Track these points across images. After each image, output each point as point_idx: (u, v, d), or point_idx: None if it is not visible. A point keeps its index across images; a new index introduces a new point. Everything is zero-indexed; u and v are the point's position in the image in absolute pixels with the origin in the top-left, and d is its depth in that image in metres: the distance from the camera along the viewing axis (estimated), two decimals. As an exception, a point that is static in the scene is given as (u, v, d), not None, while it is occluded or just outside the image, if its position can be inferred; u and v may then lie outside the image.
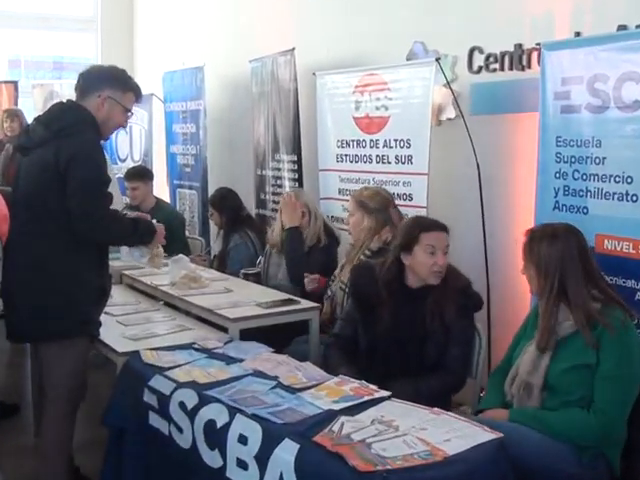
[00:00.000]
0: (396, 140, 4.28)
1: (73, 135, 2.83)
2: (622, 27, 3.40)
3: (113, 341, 3.12)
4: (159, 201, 5.53)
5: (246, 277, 4.23)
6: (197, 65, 6.31)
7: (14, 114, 6.70)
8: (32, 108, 7.70)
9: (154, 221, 3.15)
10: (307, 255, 4.09)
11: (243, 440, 2.19)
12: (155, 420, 2.61)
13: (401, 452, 1.98)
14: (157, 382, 2.64)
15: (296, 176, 5.12)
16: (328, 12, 5.36)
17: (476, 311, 3.07)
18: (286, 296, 3.67)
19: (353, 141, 4.62)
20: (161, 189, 6.59)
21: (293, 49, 5.01)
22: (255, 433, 2.17)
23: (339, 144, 4.75)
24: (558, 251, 2.53)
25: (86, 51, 8.84)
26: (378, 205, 3.71)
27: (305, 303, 3.56)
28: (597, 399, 2.44)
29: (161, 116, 7.00)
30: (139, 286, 4.14)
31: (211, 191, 5.61)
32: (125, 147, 7.37)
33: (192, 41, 7.16)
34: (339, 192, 4.78)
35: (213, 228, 5.63)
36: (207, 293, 3.75)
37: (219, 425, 2.29)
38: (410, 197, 4.18)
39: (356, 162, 4.61)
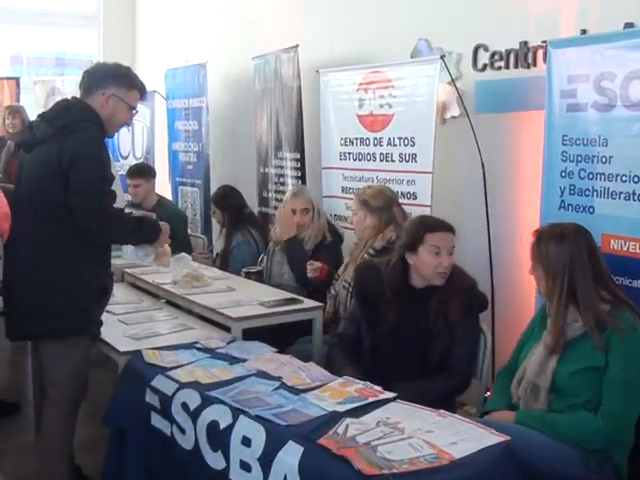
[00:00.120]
0: (400, 138, 4.25)
1: (77, 132, 2.81)
2: (629, 25, 3.37)
3: (115, 340, 3.09)
4: (161, 199, 5.50)
5: (248, 276, 4.20)
6: (200, 62, 6.28)
7: (16, 110, 6.68)
8: (34, 104, 7.69)
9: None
10: (313, 253, 4.06)
11: (246, 442, 2.17)
12: (157, 421, 2.59)
13: (407, 455, 1.95)
14: (159, 382, 2.61)
15: (299, 174, 5.09)
16: (331, 9, 5.33)
17: (481, 311, 3.04)
18: (289, 295, 3.65)
19: (357, 139, 4.60)
20: (163, 187, 6.56)
21: (296, 46, 4.98)
22: (259, 435, 2.15)
23: (342, 142, 4.72)
24: (567, 252, 2.50)
25: (88, 47, 8.82)
26: (381, 203, 3.69)
27: (308, 302, 3.53)
28: (605, 402, 2.42)
29: (163, 113, 6.97)
30: (141, 284, 4.11)
31: (213, 189, 5.58)
32: (127, 144, 7.34)
33: (195, 38, 7.13)
34: (342, 190, 4.75)
35: (215, 226, 5.60)
36: (209, 292, 3.72)
37: (222, 426, 2.27)
38: (414, 196, 4.15)
39: (360, 160, 4.59)
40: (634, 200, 3.05)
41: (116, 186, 3.30)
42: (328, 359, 3.12)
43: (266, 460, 2.09)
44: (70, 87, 7.77)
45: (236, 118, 6.47)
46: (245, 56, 5.88)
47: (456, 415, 2.27)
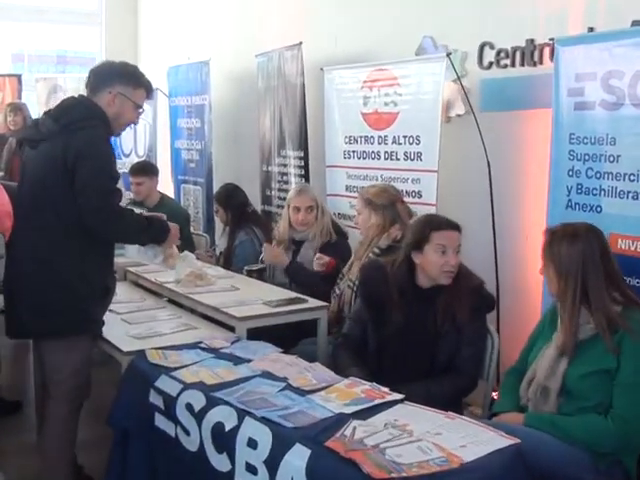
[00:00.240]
0: (405, 136, 4.23)
1: (82, 130, 2.79)
2: (636, 22, 3.34)
3: (117, 340, 3.06)
4: (163, 197, 5.47)
5: (249, 273, 4.17)
6: (203, 59, 6.26)
7: (18, 108, 6.66)
8: (35, 102, 7.67)
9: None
10: (321, 253, 4.02)
11: (252, 444, 2.14)
12: (161, 421, 2.55)
13: (416, 458, 1.92)
14: (163, 383, 2.58)
15: (302, 172, 5.07)
16: (335, 6, 5.31)
17: (489, 312, 3.01)
18: (293, 295, 3.62)
19: (361, 137, 4.57)
20: (165, 185, 6.53)
21: (300, 43, 4.95)
22: (265, 437, 2.12)
23: (347, 140, 4.69)
24: (579, 252, 2.46)
25: (90, 45, 8.80)
26: (385, 201, 3.67)
27: (313, 302, 3.50)
28: (616, 405, 2.39)
29: (166, 111, 6.95)
30: (144, 283, 4.09)
31: (216, 187, 5.55)
32: (129, 142, 7.31)
33: (197, 35, 7.10)
34: (346, 189, 4.73)
35: (218, 224, 5.57)
36: (213, 291, 3.69)
37: (227, 428, 2.23)
38: (419, 194, 4.13)
39: (364, 159, 4.56)
40: (642, 199, 3.03)
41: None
42: (333, 359, 3.09)
43: (273, 463, 2.06)
44: (72, 84, 7.76)
45: (239, 116, 6.44)
46: (248, 54, 5.86)
47: (465, 417, 2.24)
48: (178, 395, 2.48)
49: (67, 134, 2.78)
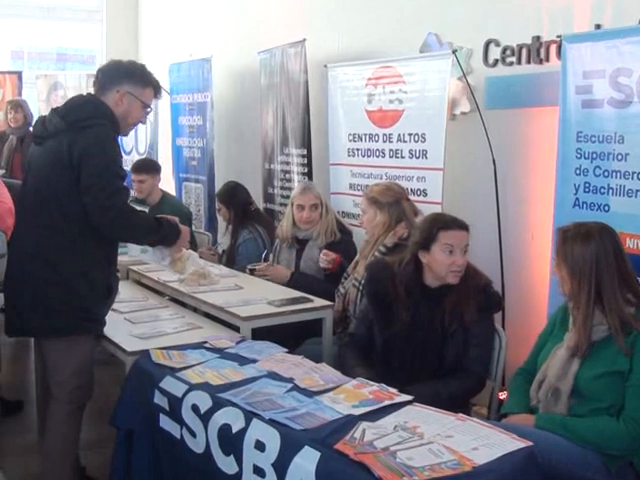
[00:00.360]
0: (410, 134, 4.19)
1: (89, 128, 2.77)
2: (644, 19, 3.32)
3: (121, 339, 3.02)
4: (165, 195, 5.44)
5: (252, 272, 4.14)
6: (204, 56, 6.23)
7: (18, 105, 6.63)
8: (36, 99, 7.65)
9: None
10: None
11: (260, 446, 2.10)
12: (166, 423, 2.52)
13: (428, 462, 1.89)
14: (168, 383, 2.55)
15: (305, 170, 5.03)
16: (338, 3, 5.27)
17: (496, 311, 2.99)
18: (297, 294, 3.58)
19: (365, 135, 4.53)
20: (166, 182, 6.49)
21: (304, 40, 4.92)
22: (273, 439, 2.08)
23: (351, 138, 4.66)
24: (592, 252, 2.43)
25: (90, 42, 8.77)
26: (390, 199, 3.64)
27: (318, 302, 3.46)
28: (628, 407, 2.36)
29: (167, 108, 6.91)
30: (146, 282, 4.05)
31: (218, 185, 5.52)
32: (130, 140, 7.28)
33: (199, 32, 7.07)
34: (350, 187, 4.69)
35: (220, 223, 5.54)
36: (217, 290, 3.65)
37: (234, 430, 2.20)
38: (424, 193, 4.09)
39: (368, 156, 4.53)
40: (651, 198, 3.01)
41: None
42: (339, 359, 3.07)
43: (281, 465, 2.02)
44: (72, 82, 7.75)
45: (241, 113, 6.41)
46: (250, 50, 5.83)
47: (475, 419, 2.20)
48: (183, 396, 2.44)
49: (73, 131, 2.76)
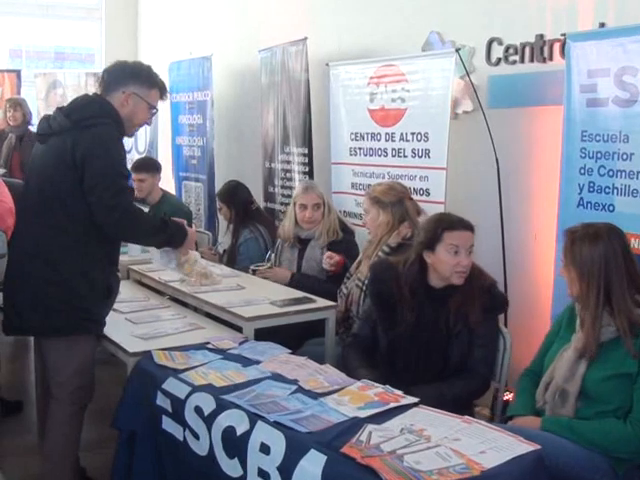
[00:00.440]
0: (413, 133, 4.17)
1: (94, 127, 2.75)
2: (648, 18, 3.30)
3: (123, 340, 2.99)
4: (165, 194, 5.41)
5: (254, 273, 4.11)
6: (205, 55, 6.20)
7: (17, 103, 6.60)
8: (35, 98, 7.62)
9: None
10: (327, 251, 3.97)
11: (265, 449, 2.08)
12: (169, 425, 2.49)
13: (436, 465, 1.86)
14: (171, 385, 2.52)
15: (306, 169, 5.01)
16: (340, 1, 5.25)
17: (501, 312, 2.96)
18: (300, 294, 3.55)
19: (367, 134, 4.51)
20: (166, 181, 6.47)
21: (305, 39, 4.89)
22: (278, 442, 2.06)
23: (353, 137, 4.64)
24: (601, 253, 2.41)
25: (89, 40, 8.74)
26: (393, 199, 3.61)
27: (321, 302, 3.43)
28: (636, 410, 2.34)
29: (167, 107, 6.87)
30: (147, 282, 4.02)
31: (218, 184, 5.49)
32: (129, 138, 7.25)
33: (199, 30, 7.04)
34: (352, 186, 4.67)
35: (220, 222, 5.51)
36: (219, 290, 3.62)
37: (239, 433, 2.17)
38: (427, 192, 4.08)
39: (370, 156, 4.51)
40: (656, 198, 2.99)
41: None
42: (342, 360, 3.04)
43: (287, 469, 2.00)
44: (71, 80, 7.72)
45: (241, 112, 6.39)
46: (251, 49, 5.81)
47: (482, 421, 2.18)
48: (186, 398, 2.42)
49: (78, 130, 2.75)
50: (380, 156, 4.42)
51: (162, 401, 2.53)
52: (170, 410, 2.49)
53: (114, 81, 2.92)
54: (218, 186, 5.35)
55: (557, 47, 3.73)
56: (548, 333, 2.71)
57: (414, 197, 3.85)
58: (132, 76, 2.93)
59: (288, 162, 5.29)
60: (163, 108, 6.78)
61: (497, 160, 3.85)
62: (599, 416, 2.39)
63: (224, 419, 2.25)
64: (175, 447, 2.46)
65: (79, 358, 2.89)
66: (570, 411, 2.44)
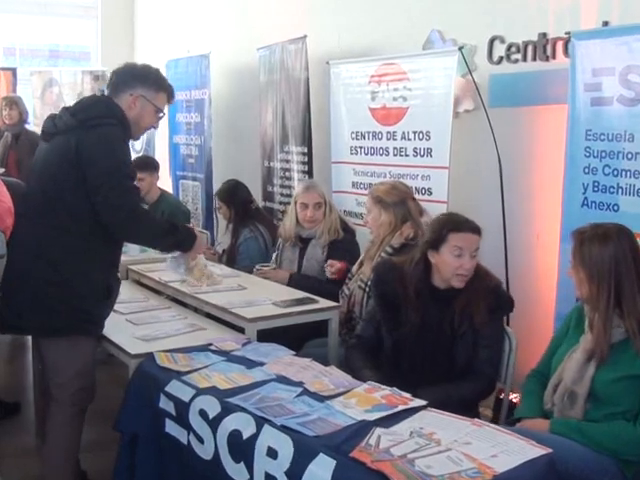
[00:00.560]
0: (415, 132, 4.14)
1: (99, 127, 2.73)
2: (651, 16, 3.28)
3: (124, 342, 2.96)
4: (163, 193, 5.39)
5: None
6: (202, 53, 6.16)
7: (13, 102, 6.53)
8: (30, 96, 7.56)
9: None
10: (328, 251, 3.95)
11: (272, 454, 2.04)
12: (172, 428, 2.46)
13: (447, 470, 1.84)
14: (174, 387, 2.49)
15: (306, 168, 4.99)
16: (339, -1, 5.22)
17: (507, 313, 2.93)
18: (302, 294, 3.52)
19: (369, 133, 4.48)
20: (163, 180, 6.42)
21: (305, 37, 4.86)
22: (286, 446, 2.03)
23: (354, 136, 4.61)
24: (611, 254, 2.37)
25: (84, 38, 8.68)
26: (396, 199, 3.57)
27: (324, 302, 3.40)
28: (645, 412, 2.32)
29: (164, 105, 6.84)
30: (146, 282, 3.98)
31: (215, 183, 5.46)
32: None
33: (197, 28, 7.00)
34: (353, 185, 4.64)
35: (219, 221, 5.47)
36: (220, 290, 3.58)
37: (245, 436, 2.14)
38: (429, 191, 4.05)
39: (372, 155, 4.48)
40: (661, 198, 2.97)
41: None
42: (346, 361, 3.01)
43: (295, 474, 1.97)
44: (67, 78, 7.67)
45: (240, 110, 6.35)
46: (249, 47, 5.77)
47: (491, 424, 2.16)
48: (191, 401, 2.39)
49: (83, 129, 2.72)
50: (382, 155, 4.39)
51: (165, 404, 2.50)
52: (174, 413, 2.46)
53: (122, 83, 2.90)
54: (216, 185, 5.31)
55: (560, 45, 3.71)
56: (555, 334, 2.69)
57: (416, 196, 3.82)
58: (140, 79, 2.91)
59: (287, 161, 5.26)
60: (160, 106, 6.80)
61: (499, 159, 3.82)
62: (608, 418, 2.37)
63: (230, 422, 2.22)
64: (179, 451, 2.43)
65: (80, 359, 2.87)
66: (579, 413, 2.41)
